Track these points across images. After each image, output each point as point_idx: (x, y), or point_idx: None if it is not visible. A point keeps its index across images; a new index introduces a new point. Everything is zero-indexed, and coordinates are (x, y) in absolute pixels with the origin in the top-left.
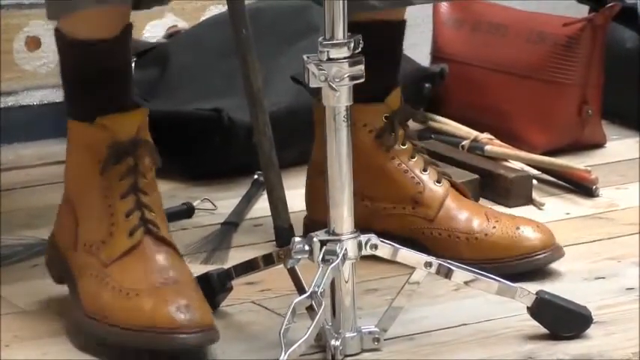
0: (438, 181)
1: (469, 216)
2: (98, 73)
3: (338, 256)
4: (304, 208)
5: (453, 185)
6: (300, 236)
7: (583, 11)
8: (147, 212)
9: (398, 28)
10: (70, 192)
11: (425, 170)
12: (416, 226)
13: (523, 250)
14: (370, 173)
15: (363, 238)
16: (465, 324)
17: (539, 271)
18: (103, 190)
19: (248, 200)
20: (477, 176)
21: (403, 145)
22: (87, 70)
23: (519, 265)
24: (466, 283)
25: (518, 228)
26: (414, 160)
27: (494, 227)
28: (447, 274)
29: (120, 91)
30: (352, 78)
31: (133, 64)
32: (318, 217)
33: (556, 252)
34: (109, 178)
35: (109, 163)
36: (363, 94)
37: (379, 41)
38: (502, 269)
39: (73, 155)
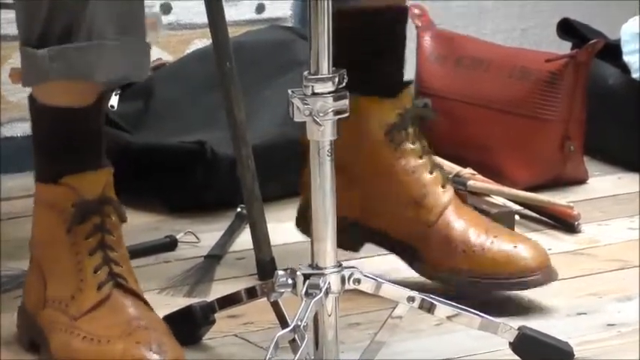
0: (444, 186)
1: (469, 227)
2: (68, 138)
3: (321, 290)
4: (287, 241)
5: (456, 193)
6: (283, 269)
7: (566, 47)
8: (115, 267)
9: (401, 13)
10: (36, 254)
11: (431, 173)
12: (414, 230)
13: (518, 269)
14: (374, 167)
15: (346, 272)
16: (448, 359)
17: (521, 306)
18: (70, 247)
19: (231, 233)
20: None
21: (413, 144)
22: (57, 135)
23: (512, 283)
24: (449, 317)
25: (515, 246)
26: (421, 161)
27: (492, 242)
28: (430, 308)
29: (89, 154)
30: (337, 112)
31: (117, 97)
32: None
33: (549, 274)
34: (76, 236)
35: (75, 222)
36: (375, 88)
37: (384, 28)
38: (495, 286)
39: (40, 215)
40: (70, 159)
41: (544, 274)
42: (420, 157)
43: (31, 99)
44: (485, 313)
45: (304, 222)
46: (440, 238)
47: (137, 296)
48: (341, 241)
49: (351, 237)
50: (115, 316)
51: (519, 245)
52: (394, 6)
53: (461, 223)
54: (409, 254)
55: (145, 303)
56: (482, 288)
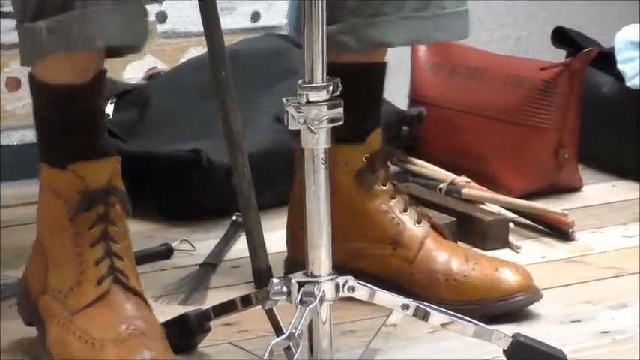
0: (418, 222)
1: (449, 257)
2: (69, 118)
3: (316, 298)
4: (283, 249)
5: (433, 226)
6: (278, 277)
7: (560, 56)
8: (116, 261)
9: (379, 69)
10: (41, 235)
11: (405, 211)
12: (395, 267)
13: (501, 292)
14: (350, 213)
15: (341, 279)
16: None
17: (515, 314)
18: (73, 237)
19: (226, 241)
20: (453, 219)
21: (384, 185)
22: (58, 114)
23: (497, 306)
24: (443, 325)
25: (497, 269)
26: (394, 200)
27: (473, 269)
28: (424, 316)
29: (91, 136)
30: (331, 120)
31: (113, 105)
32: (299, 257)
33: (534, 294)
34: (79, 225)
35: (80, 211)
36: (343, 135)
37: (360, 83)
38: (481, 310)
39: (44, 200)
40: (75, 142)
41: (528, 295)
42: (393, 198)
43: (31, 77)
44: (479, 320)
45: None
46: (422, 271)
47: (137, 294)
48: None
49: None
50: (112, 315)
51: (501, 269)
52: (372, 62)
53: (441, 255)
54: (395, 290)
55: (144, 300)
56: (469, 314)
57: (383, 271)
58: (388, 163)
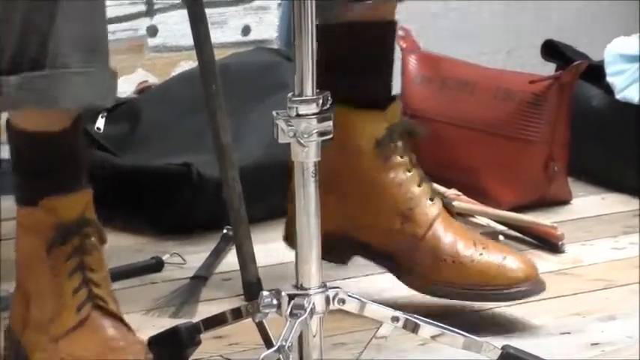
0: (431, 199)
1: (457, 239)
2: (43, 161)
3: (306, 311)
4: (273, 262)
5: (445, 206)
6: (268, 290)
7: (550, 69)
8: (94, 288)
9: (391, 28)
10: (20, 276)
11: (419, 185)
12: (403, 243)
13: (506, 281)
14: (363, 181)
15: (331, 292)
16: None
17: (505, 326)
18: (51, 270)
19: (217, 255)
20: None
21: (401, 157)
22: (32, 158)
23: (501, 295)
24: (433, 337)
25: (504, 258)
26: (410, 173)
27: (480, 254)
28: (414, 328)
29: (68, 177)
30: (321, 134)
31: (104, 119)
32: None
33: (538, 285)
34: (56, 258)
35: (55, 244)
36: (363, 100)
37: (374, 42)
38: (484, 297)
39: (21, 238)
40: (49, 181)
41: (532, 285)
42: (409, 171)
43: (8, 122)
44: (468, 332)
45: (292, 236)
46: (429, 250)
47: (116, 317)
48: (329, 255)
49: (339, 250)
50: (94, 337)
51: (508, 257)
52: (382, 20)
53: (449, 236)
54: (398, 267)
55: (124, 324)
56: (471, 299)
57: (389, 245)
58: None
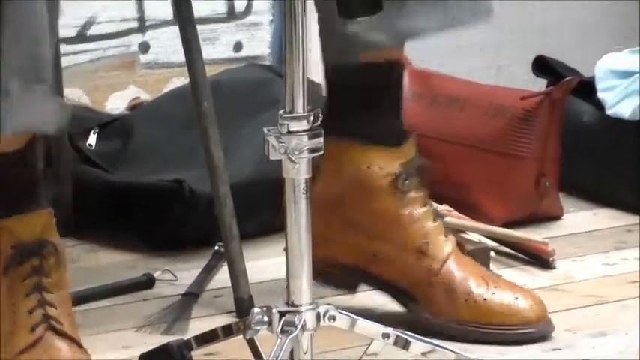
0: (446, 235)
1: (470, 277)
2: (1, 184)
3: (296, 327)
4: (264, 278)
5: (457, 243)
6: (259, 307)
7: (541, 85)
8: (49, 309)
9: (399, 68)
10: None
11: (434, 221)
12: (417, 278)
13: (517, 321)
14: (379, 215)
15: (322, 309)
16: None
17: (496, 343)
18: (8, 289)
19: (208, 271)
20: None
21: (416, 193)
22: None
23: (511, 335)
24: (424, 354)
25: (516, 298)
26: (424, 209)
27: (492, 293)
28: (405, 345)
29: (25, 197)
30: (312, 151)
31: (95, 136)
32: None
33: (547, 326)
34: (13, 278)
35: (13, 264)
36: (379, 137)
37: (386, 81)
38: (495, 336)
39: None
40: (7, 200)
41: (543, 327)
42: (424, 206)
43: None
44: (459, 349)
45: None
46: (442, 286)
47: (71, 339)
48: (339, 284)
49: (350, 280)
50: (46, 358)
51: (520, 297)
52: (392, 59)
53: (462, 273)
54: (410, 300)
55: (79, 345)
56: (482, 338)
57: (401, 279)
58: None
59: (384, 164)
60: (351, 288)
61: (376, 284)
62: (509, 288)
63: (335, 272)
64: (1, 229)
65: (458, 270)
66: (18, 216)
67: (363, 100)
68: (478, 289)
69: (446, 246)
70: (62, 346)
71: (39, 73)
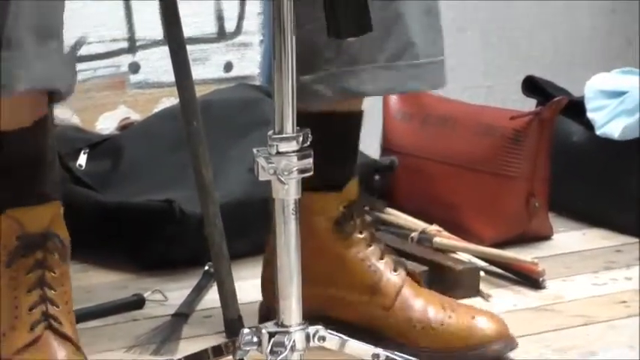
0: (395, 270)
1: (425, 305)
2: (7, 163)
3: (286, 348)
4: (254, 299)
5: (409, 274)
6: (249, 327)
7: (531, 105)
8: (50, 307)
9: (354, 119)
10: None
11: (382, 258)
12: (372, 315)
13: (478, 341)
14: (327, 261)
15: (311, 329)
16: None
17: None
18: (10, 281)
19: (198, 291)
20: (425, 268)
21: (360, 233)
22: None
23: (474, 355)
24: None
25: (473, 318)
26: (371, 248)
27: (450, 317)
28: None
29: (32, 181)
30: (301, 171)
31: (86, 156)
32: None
33: (510, 343)
34: (17, 270)
35: (17, 256)
36: (320, 183)
37: (336, 132)
38: (457, 359)
39: None
40: (14, 187)
41: (504, 343)
42: (369, 245)
43: None
44: None
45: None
46: (399, 319)
47: (69, 340)
48: None
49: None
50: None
51: (477, 317)
52: (351, 111)
53: (418, 302)
54: (373, 337)
55: (77, 347)
56: None
57: (360, 319)
58: (365, 210)
59: (326, 208)
60: None
61: (341, 329)
62: (466, 311)
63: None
64: (9, 219)
65: (413, 301)
66: (27, 206)
67: (315, 150)
68: (435, 316)
69: (396, 280)
70: (60, 347)
71: (52, 29)
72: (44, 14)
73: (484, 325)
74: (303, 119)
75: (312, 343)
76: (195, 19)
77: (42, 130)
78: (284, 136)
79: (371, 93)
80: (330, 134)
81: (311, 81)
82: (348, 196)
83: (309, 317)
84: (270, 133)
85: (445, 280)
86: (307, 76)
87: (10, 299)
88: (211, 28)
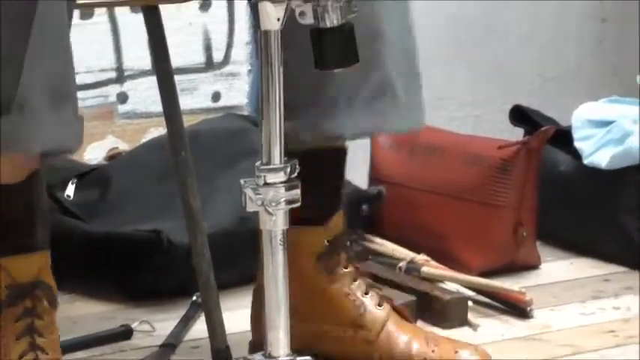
0: (379, 305)
1: (409, 340)
2: (1, 221)
3: None
4: (242, 329)
5: (394, 308)
6: (237, 358)
7: (519, 134)
8: (41, 354)
9: (338, 156)
10: None
11: (367, 293)
12: (357, 350)
13: None
14: (311, 295)
15: None
16: None
17: None
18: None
19: (186, 322)
20: (413, 298)
21: (345, 268)
22: None
23: None
24: None
25: (456, 352)
26: (355, 283)
27: (433, 351)
28: None
29: (22, 232)
30: (288, 202)
31: (74, 186)
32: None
33: None
34: (6, 318)
35: (6, 305)
36: (304, 217)
37: (320, 169)
38: None
39: None
40: (4, 237)
41: None
42: (354, 280)
43: None
44: None
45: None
46: (383, 353)
47: None
48: None
49: None
50: None
51: (460, 351)
52: (334, 147)
53: (401, 337)
54: None
55: None
56: None
57: (346, 353)
58: (349, 245)
59: (309, 244)
60: None
61: None
62: (449, 344)
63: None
64: None
65: (396, 335)
66: (15, 255)
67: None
68: (418, 350)
69: (380, 315)
70: None
71: (65, 92)
72: (57, 77)
73: (467, 358)
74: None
75: None
76: (183, 49)
77: (35, 182)
78: (271, 167)
79: (350, 137)
80: (313, 171)
81: (290, 128)
82: (333, 231)
83: (302, 351)
84: (257, 164)
85: (433, 309)
86: (286, 123)
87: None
88: (199, 58)
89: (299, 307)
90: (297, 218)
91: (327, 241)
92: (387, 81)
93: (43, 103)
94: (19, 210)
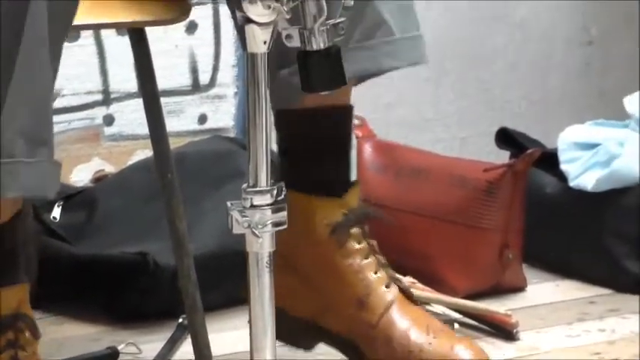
0: (387, 286)
1: (410, 327)
2: None
3: None
4: (229, 351)
5: (403, 290)
6: None
7: (504, 156)
8: None
9: (344, 112)
10: None
11: (376, 272)
12: (358, 330)
13: None
14: (323, 268)
15: None
16: None
17: None
18: None
19: (172, 344)
20: None
21: (359, 243)
22: None
23: None
24: None
25: (452, 348)
26: (367, 260)
27: (430, 343)
28: None
29: (5, 271)
30: (275, 224)
31: (60, 208)
32: None
33: None
34: None
35: None
36: (319, 187)
37: (327, 127)
38: None
39: None
40: None
41: None
42: (366, 257)
43: None
44: None
45: None
46: (382, 338)
47: None
48: (295, 341)
49: (305, 337)
50: None
51: (457, 346)
52: (337, 105)
53: (403, 323)
54: (355, 353)
55: None
56: None
57: (346, 332)
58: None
59: (325, 214)
60: (308, 346)
61: (330, 341)
62: (448, 338)
63: (290, 327)
64: None
65: (398, 320)
66: None
67: (306, 148)
68: (417, 339)
69: (386, 297)
70: None
71: (43, 135)
72: (36, 121)
73: (463, 356)
74: (287, 117)
75: None
76: (169, 72)
77: (18, 221)
78: (258, 189)
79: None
80: (317, 131)
81: (288, 74)
82: (349, 203)
83: (302, 321)
84: (244, 186)
85: None
86: (284, 70)
87: None
88: (185, 81)
89: (312, 277)
90: (312, 188)
91: (343, 214)
92: (380, 18)
93: (21, 148)
94: (3, 249)
